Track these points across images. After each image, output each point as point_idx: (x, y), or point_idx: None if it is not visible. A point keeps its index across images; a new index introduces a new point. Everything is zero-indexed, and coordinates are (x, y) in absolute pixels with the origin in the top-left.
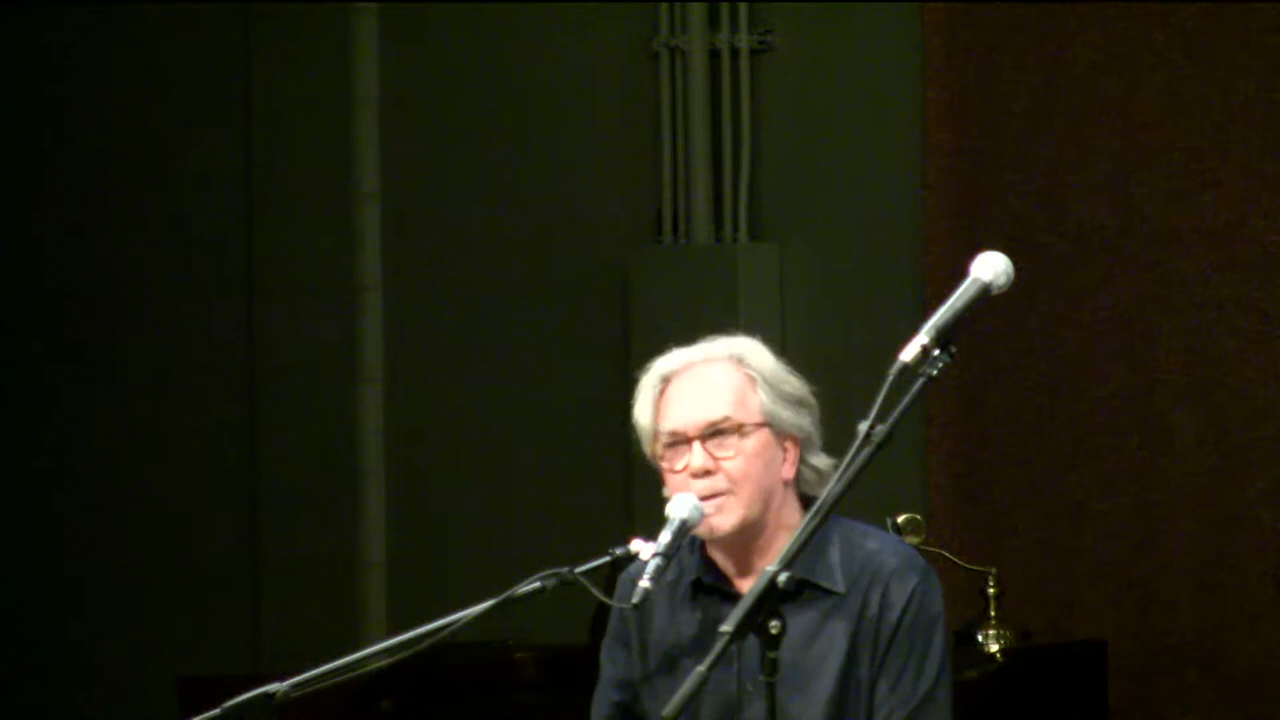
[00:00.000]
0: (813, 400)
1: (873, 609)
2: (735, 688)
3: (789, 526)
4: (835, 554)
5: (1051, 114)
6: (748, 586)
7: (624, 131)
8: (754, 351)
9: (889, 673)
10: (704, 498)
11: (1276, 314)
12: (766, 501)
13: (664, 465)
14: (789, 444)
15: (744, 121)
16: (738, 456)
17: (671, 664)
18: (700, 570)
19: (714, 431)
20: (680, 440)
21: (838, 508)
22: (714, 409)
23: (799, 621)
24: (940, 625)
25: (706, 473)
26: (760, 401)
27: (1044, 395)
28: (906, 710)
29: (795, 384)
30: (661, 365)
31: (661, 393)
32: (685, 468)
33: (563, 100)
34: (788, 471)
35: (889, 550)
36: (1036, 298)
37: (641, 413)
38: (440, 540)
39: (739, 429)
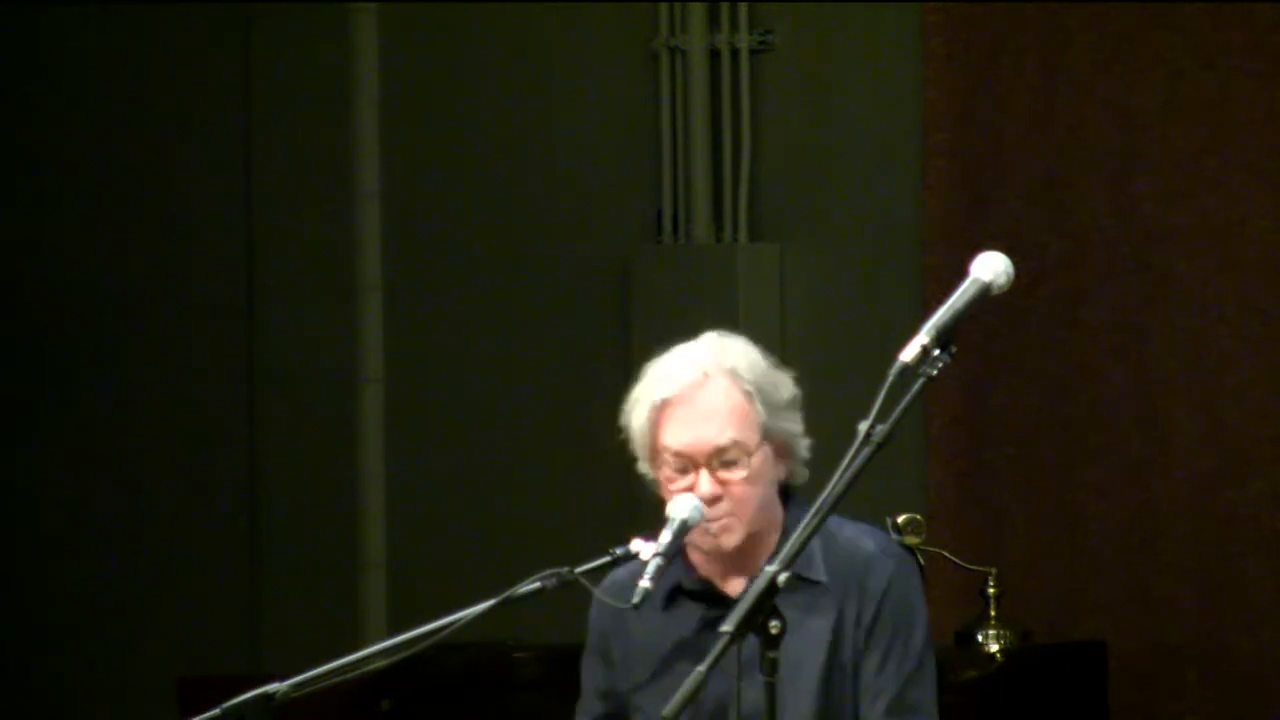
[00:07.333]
0: (797, 391)
1: (853, 596)
2: (730, 682)
3: (776, 523)
4: (816, 544)
5: (1051, 114)
6: (734, 587)
7: (624, 131)
8: (743, 359)
9: (873, 656)
10: (711, 520)
11: (1276, 314)
12: (764, 512)
13: (667, 484)
14: (781, 450)
15: (744, 121)
16: (744, 480)
17: (661, 668)
18: (679, 575)
19: (721, 458)
20: (687, 464)
21: (838, 507)
22: (721, 434)
23: (784, 613)
24: (920, 608)
25: (716, 499)
26: (759, 418)
27: (1044, 395)
28: (894, 690)
29: (783, 384)
30: (659, 387)
31: (661, 413)
32: (690, 488)
33: (563, 100)
34: (780, 474)
35: (866, 538)
36: (1036, 298)
37: (638, 429)
38: (440, 540)
39: (744, 452)
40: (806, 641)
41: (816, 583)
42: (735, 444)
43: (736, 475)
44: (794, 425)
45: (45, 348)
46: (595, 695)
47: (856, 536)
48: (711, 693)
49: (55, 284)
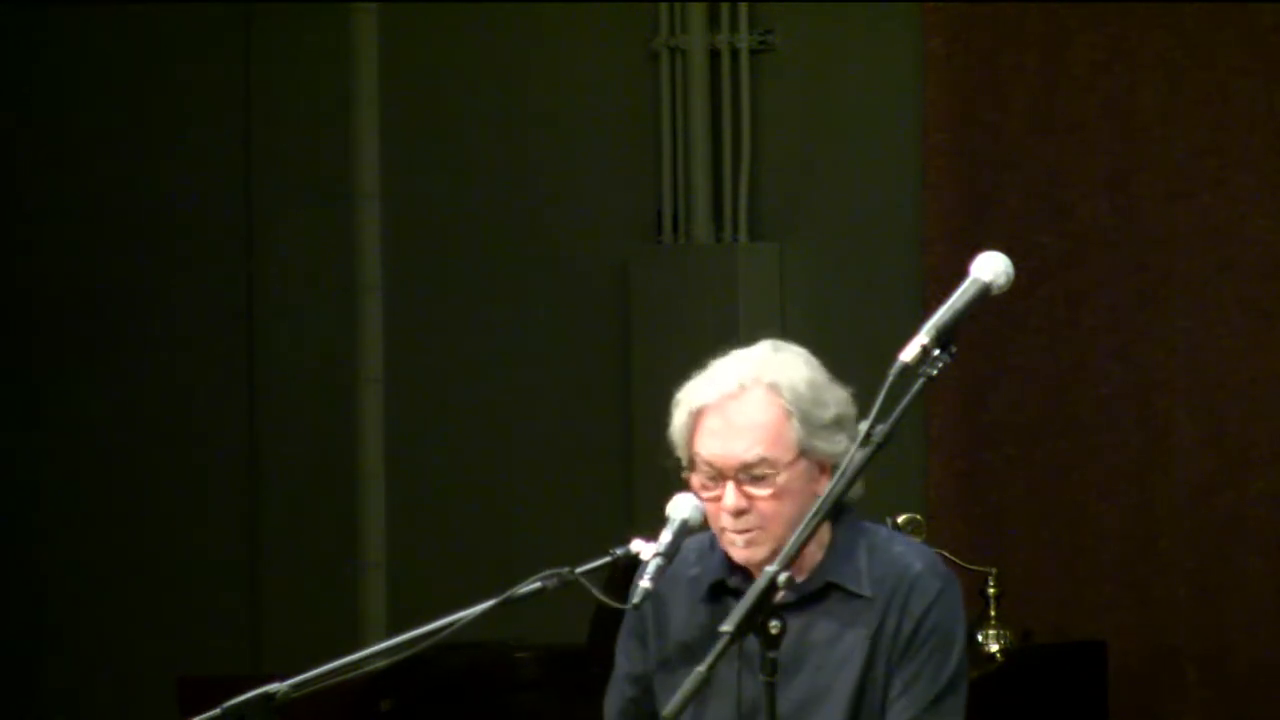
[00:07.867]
0: (851, 408)
1: (895, 613)
2: (751, 687)
3: (818, 538)
4: (863, 558)
5: (1051, 114)
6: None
7: (624, 131)
8: (787, 374)
9: (904, 673)
10: (737, 532)
11: (1276, 314)
12: (798, 525)
13: (700, 490)
14: (824, 466)
15: (744, 121)
16: (771, 497)
17: (691, 660)
18: (723, 571)
19: (748, 473)
20: (716, 474)
21: (849, 511)
22: (748, 450)
23: (826, 624)
24: (959, 633)
25: (741, 512)
26: (795, 436)
27: (1044, 395)
28: (915, 710)
29: (832, 399)
30: (699, 392)
31: (697, 419)
32: (718, 499)
33: (563, 100)
34: (820, 489)
35: (914, 556)
36: (1036, 298)
37: (676, 430)
38: (440, 540)
39: (773, 469)
40: (845, 654)
41: (860, 596)
42: (763, 461)
43: (763, 492)
44: (837, 445)
45: (45, 348)
46: (627, 679)
47: (906, 554)
48: (735, 694)
49: (55, 284)
